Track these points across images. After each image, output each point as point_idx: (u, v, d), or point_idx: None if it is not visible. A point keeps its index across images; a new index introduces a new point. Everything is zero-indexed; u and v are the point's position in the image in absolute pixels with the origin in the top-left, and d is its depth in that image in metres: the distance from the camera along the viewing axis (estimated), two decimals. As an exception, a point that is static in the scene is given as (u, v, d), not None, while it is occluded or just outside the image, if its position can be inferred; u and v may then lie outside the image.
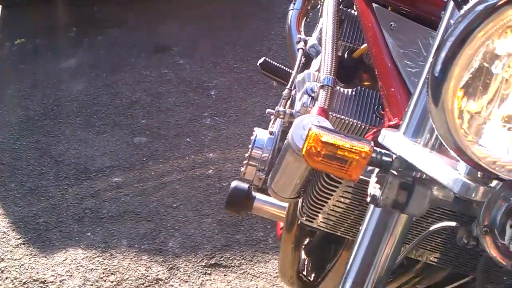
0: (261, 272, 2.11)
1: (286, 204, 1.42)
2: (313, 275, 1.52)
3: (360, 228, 0.91)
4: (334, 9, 1.25)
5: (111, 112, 2.84)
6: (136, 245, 2.20)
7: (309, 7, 2.35)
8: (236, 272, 2.11)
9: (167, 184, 2.47)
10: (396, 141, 0.82)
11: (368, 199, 0.83)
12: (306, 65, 1.35)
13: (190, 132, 2.74)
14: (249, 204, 1.43)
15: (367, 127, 1.17)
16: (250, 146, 1.60)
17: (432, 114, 0.67)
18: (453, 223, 0.90)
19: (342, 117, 1.17)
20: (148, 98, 2.94)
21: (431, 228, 0.91)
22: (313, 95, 1.19)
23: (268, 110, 2.02)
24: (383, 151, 0.81)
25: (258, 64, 2.03)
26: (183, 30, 3.45)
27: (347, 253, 1.34)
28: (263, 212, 1.45)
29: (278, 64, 2.03)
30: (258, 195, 1.44)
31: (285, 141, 1.08)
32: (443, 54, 0.65)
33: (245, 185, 1.43)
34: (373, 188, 0.83)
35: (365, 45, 1.25)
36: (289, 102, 1.30)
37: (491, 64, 0.67)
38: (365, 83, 1.27)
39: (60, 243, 2.19)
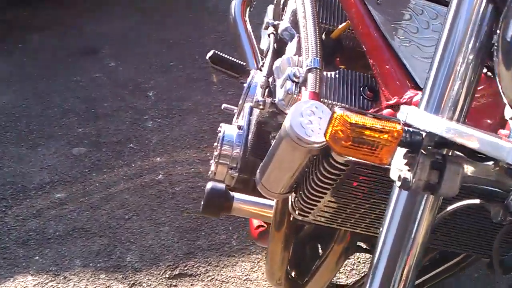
0: (229, 276, 2.00)
1: (268, 201, 1.34)
2: (295, 273, 1.44)
3: (385, 215, 0.83)
4: (310, -12, 1.16)
5: (43, 124, 2.63)
6: (91, 264, 2.03)
7: (251, -4, 2.26)
8: (204, 280, 1.99)
9: (115, 195, 2.31)
10: (423, 118, 0.74)
11: (398, 183, 0.75)
12: (278, 50, 1.26)
13: (133, 137, 2.58)
14: (228, 206, 1.32)
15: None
16: (218, 143, 1.50)
17: (502, 79, 0.59)
18: (477, 200, 0.84)
19: (330, 101, 1.09)
20: (82, 105, 2.75)
21: (457, 205, 0.84)
22: (297, 80, 1.10)
23: (224, 105, 1.92)
24: (411, 129, 0.74)
25: (207, 57, 1.93)
26: (111, 30, 3.27)
27: (339, 247, 1.27)
28: (243, 213, 1.35)
29: (228, 57, 1.93)
30: (236, 194, 1.33)
31: (279, 132, 0.98)
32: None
33: (222, 186, 1.33)
34: (401, 171, 0.76)
35: (343, 24, 1.18)
36: (266, 90, 1.20)
37: None
38: (346, 65, 1.20)
39: (6, 271, 1.98)
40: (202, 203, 1.33)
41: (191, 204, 2.26)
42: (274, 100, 1.15)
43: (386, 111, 0.98)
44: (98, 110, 2.72)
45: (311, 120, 0.93)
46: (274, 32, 1.28)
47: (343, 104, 0.87)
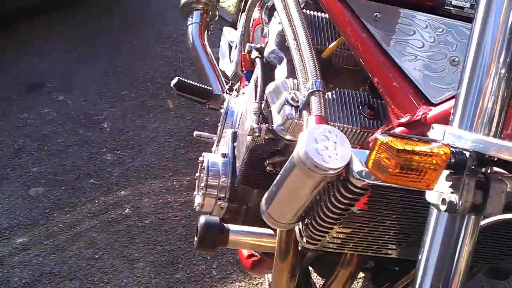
0: (214, 308, 1.93)
1: (267, 230, 1.29)
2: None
3: (424, 239, 0.79)
4: (298, 9, 1.13)
5: (-6, 166, 2.49)
6: (65, 311, 1.91)
7: (208, 19, 2.22)
8: (188, 315, 1.91)
9: (81, 234, 2.19)
10: (464, 136, 0.72)
11: (443, 207, 0.72)
12: (266, 75, 1.21)
13: (92, 172, 2.47)
14: (224, 239, 1.26)
15: (359, 130, 1.07)
16: (202, 174, 1.44)
17: None
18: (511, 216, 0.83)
19: (333, 124, 1.05)
20: (33, 143, 2.62)
21: (492, 220, 0.82)
22: (296, 104, 1.06)
23: (196, 132, 1.86)
24: (454, 150, 0.71)
25: (172, 85, 1.87)
26: (55, 63, 3.14)
27: (345, 271, 1.24)
28: (241, 245, 1.29)
29: (194, 82, 1.88)
30: (231, 226, 1.27)
31: (290, 160, 0.93)
32: None
33: (215, 219, 1.26)
34: (443, 193, 0.73)
35: (334, 43, 1.15)
36: (260, 117, 1.15)
37: None
38: (334, 84, 1.17)
39: (-27, 330, 1.84)
40: (196, 239, 1.26)
41: (163, 237, 2.17)
42: (271, 126, 1.10)
43: (398, 130, 0.95)
44: (51, 147, 2.59)
45: (326, 146, 0.89)
46: (259, 56, 1.24)
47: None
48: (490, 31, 0.74)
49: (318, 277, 1.74)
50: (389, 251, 1.11)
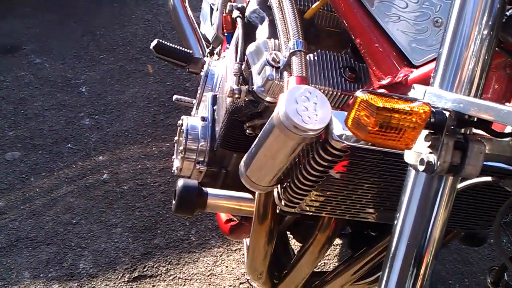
0: (192, 273, 1.93)
1: (245, 194, 1.28)
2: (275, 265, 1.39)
3: (401, 200, 0.79)
4: (280, -33, 1.10)
5: (-31, 130, 2.44)
6: (41, 275, 1.90)
7: (189, -19, 2.17)
8: (165, 280, 1.91)
9: (58, 199, 2.17)
10: (444, 96, 0.71)
11: (421, 167, 0.71)
12: (247, 35, 1.19)
13: (70, 137, 2.43)
14: (202, 202, 1.25)
15: (340, 93, 1.05)
16: (181, 137, 1.42)
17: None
18: (489, 178, 0.83)
19: (313, 86, 1.04)
20: (9, 106, 2.57)
21: (468, 183, 0.82)
22: (277, 65, 1.04)
23: (176, 96, 1.84)
24: (433, 109, 0.70)
25: (151, 47, 1.83)
26: (32, 25, 3.07)
27: (322, 235, 1.24)
28: (219, 208, 1.28)
29: (173, 45, 1.84)
30: (210, 190, 1.26)
31: (270, 120, 0.92)
32: None
33: (194, 182, 1.25)
34: (421, 154, 0.72)
35: (316, 4, 1.13)
36: (240, 78, 1.13)
37: None
38: (315, 45, 1.15)
39: None
40: (174, 202, 1.24)
41: (142, 203, 2.16)
42: (252, 88, 1.08)
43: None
44: (28, 111, 2.55)
45: (306, 107, 0.87)
46: (241, 16, 1.21)
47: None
48: (474, -10, 0.72)
49: (296, 243, 1.74)
50: (367, 215, 1.10)
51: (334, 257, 2.02)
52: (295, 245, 1.84)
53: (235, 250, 2.00)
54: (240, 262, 1.96)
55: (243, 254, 1.98)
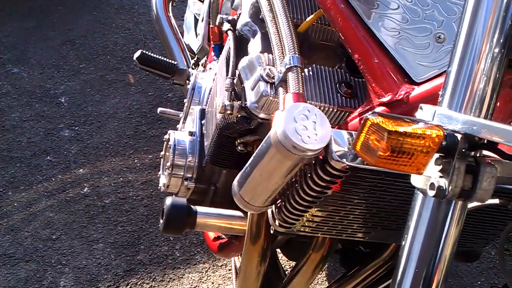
0: (177, 290, 1.87)
1: (236, 212, 1.23)
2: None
3: (408, 225, 0.75)
4: (274, -22, 1.06)
5: None
6: (20, 294, 1.83)
7: (173, -10, 2.13)
8: (150, 297, 1.85)
9: (37, 214, 2.10)
10: (456, 118, 0.68)
11: (431, 192, 0.68)
12: (238, 48, 1.15)
13: (49, 149, 2.36)
14: (191, 221, 1.20)
15: (336, 109, 1.02)
16: (168, 153, 1.37)
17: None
18: (496, 200, 0.80)
19: (309, 102, 1.00)
20: (-14, 118, 2.49)
21: (474, 205, 0.79)
22: (271, 80, 1.00)
23: (160, 109, 1.79)
24: (445, 131, 0.67)
25: (135, 58, 1.78)
26: (9, 33, 2.99)
27: (317, 254, 1.20)
28: (209, 227, 1.24)
29: (157, 56, 1.79)
30: (199, 208, 1.21)
31: (266, 139, 0.88)
32: None
33: (182, 200, 1.20)
34: (430, 178, 0.69)
35: (311, 17, 1.09)
36: (232, 94, 1.09)
37: None
38: (309, 60, 1.11)
39: None
40: (161, 221, 1.20)
41: (124, 217, 2.10)
42: (245, 104, 1.04)
43: (379, 109, 0.91)
44: (5, 122, 2.47)
45: (305, 126, 0.84)
46: (232, 29, 1.17)
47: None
48: (484, 8, 0.69)
49: (285, 258, 1.71)
50: (364, 235, 1.07)
51: (322, 271, 1.98)
52: (282, 259, 1.80)
53: (221, 265, 1.95)
54: (227, 278, 1.91)
55: (229, 270, 1.93)
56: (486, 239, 1.14)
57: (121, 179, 2.25)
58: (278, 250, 1.52)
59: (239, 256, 1.51)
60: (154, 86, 2.69)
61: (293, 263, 1.76)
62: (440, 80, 0.85)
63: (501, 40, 0.69)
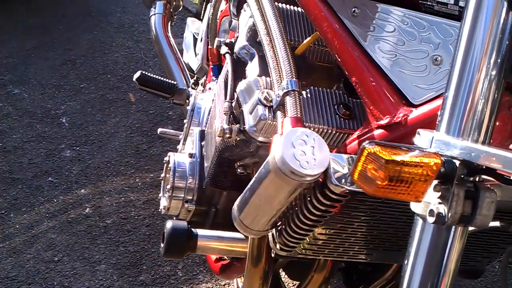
0: (181, 311, 1.86)
1: (237, 235, 1.23)
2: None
3: (409, 251, 0.75)
4: (270, 2, 1.07)
5: None
6: (23, 318, 1.82)
7: (171, 10, 2.14)
8: (153, 319, 1.84)
9: (39, 236, 2.09)
10: (454, 144, 0.67)
11: (431, 219, 0.68)
12: (236, 72, 1.15)
13: (51, 170, 2.36)
14: (192, 245, 1.20)
15: (335, 131, 1.02)
16: (168, 175, 1.37)
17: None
18: (497, 223, 0.80)
19: (307, 125, 1.00)
20: (-13, 140, 2.49)
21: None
22: (269, 104, 1.00)
23: (160, 129, 1.79)
24: (443, 158, 0.66)
25: (134, 79, 1.79)
26: (9, 54, 3.00)
27: (319, 276, 1.20)
28: (209, 250, 1.23)
29: (157, 76, 1.80)
30: (200, 231, 1.21)
31: (264, 164, 0.88)
32: None
33: (183, 224, 1.20)
34: (433, 205, 0.68)
35: (308, 39, 1.09)
36: (230, 117, 1.09)
37: None
38: (306, 81, 1.11)
39: None
40: (162, 245, 1.19)
41: (126, 237, 2.09)
42: (243, 127, 1.04)
43: (377, 132, 0.91)
44: (7, 143, 2.48)
45: (304, 151, 0.83)
46: (229, 52, 1.17)
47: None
48: (480, 30, 0.69)
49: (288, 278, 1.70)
50: (366, 256, 1.07)
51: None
52: (285, 277, 1.79)
53: (224, 285, 1.94)
54: (230, 298, 1.90)
55: (233, 289, 1.92)
56: (489, 257, 1.13)
57: (122, 198, 2.24)
58: (281, 269, 1.51)
59: (242, 277, 1.50)
60: (154, 104, 2.69)
61: (296, 282, 1.75)
62: (438, 102, 0.85)
63: (498, 62, 0.69)
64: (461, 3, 0.86)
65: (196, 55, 1.98)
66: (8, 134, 2.52)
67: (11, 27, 3.20)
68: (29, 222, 2.14)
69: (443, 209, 0.67)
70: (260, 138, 1.02)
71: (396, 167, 0.61)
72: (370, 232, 0.98)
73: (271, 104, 1.00)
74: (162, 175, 1.44)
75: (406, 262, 0.75)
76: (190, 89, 1.84)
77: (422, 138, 0.70)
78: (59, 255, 2.02)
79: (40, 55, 3.01)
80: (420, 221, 0.74)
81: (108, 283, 1.93)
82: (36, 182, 2.30)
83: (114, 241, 2.08)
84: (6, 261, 1.99)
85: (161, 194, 1.44)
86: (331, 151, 0.84)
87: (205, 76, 1.85)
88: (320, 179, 0.86)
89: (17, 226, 2.12)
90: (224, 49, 1.18)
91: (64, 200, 2.23)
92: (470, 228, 0.79)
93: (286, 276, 1.69)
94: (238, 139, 1.07)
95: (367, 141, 0.63)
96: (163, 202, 1.39)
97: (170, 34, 2.07)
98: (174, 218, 1.40)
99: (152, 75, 1.80)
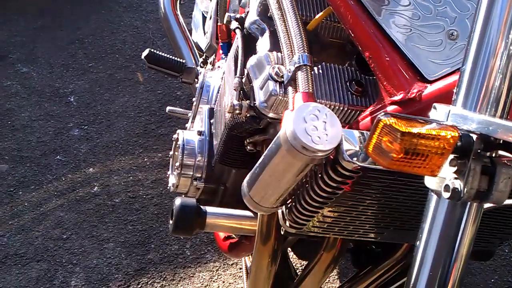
0: (188, 290, 1.87)
1: (246, 212, 1.22)
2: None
3: (422, 227, 0.74)
4: (282, -24, 1.05)
5: (-46, 142, 2.36)
6: (31, 294, 1.83)
7: (180, -12, 2.12)
8: (161, 297, 1.85)
9: (48, 214, 2.10)
10: (471, 118, 0.66)
11: (446, 194, 0.66)
12: (247, 47, 1.13)
13: (59, 148, 2.36)
14: (201, 222, 1.19)
15: (347, 108, 1.00)
16: (177, 152, 1.36)
17: None
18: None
19: (319, 101, 0.98)
20: (-4, 118, 2.49)
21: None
22: (280, 79, 0.99)
23: (169, 108, 1.78)
24: (460, 132, 0.65)
25: (143, 57, 1.77)
26: (18, 33, 2.99)
27: (328, 254, 1.19)
28: (218, 228, 1.22)
29: (166, 54, 1.78)
30: (208, 208, 1.20)
31: (275, 140, 0.86)
32: None
33: (192, 201, 1.19)
34: (449, 180, 0.67)
35: (320, 14, 1.07)
36: (240, 93, 1.07)
37: None
38: (318, 57, 1.10)
39: None
40: (171, 222, 1.19)
41: (134, 216, 2.09)
42: (253, 103, 1.03)
43: (391, 108, 0.89)
44: (15, 122, 2.47)
45: (315, 126, 0.82)
46: (240, 27, 1.15)
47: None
48: (499, 3, 0.67)
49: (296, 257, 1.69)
50: (376, 235, 1.06)
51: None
52: (293, 258, 1.78)
53: (232, 264, 1.94)
54: (238, 277, 1.90)
55: (240, 269, 1.92)
56: (501, 239, 1.12)
57: (131, 178, 2.24)
58: (289, 249, 1.50)
59: (250, 256, 1.50)
60: (163, 84, 2.68)
61: (304, 262, 1.74)
62: (453, 78, 0.84)
63: (518, 36, 0.67)
64: (479, -24, 0.84)
65: (205, 34, 1.96)
66: (16, 112, 2.52)
67: (19, 6, 3.18)
68: (38, 200, 2.14)
69: (459, 184, 0.65)
70: (271, 114, 1.01)
71: (413, 140, 0.59)
72: (381, 210, 0.97)
73: (282, 79, 0.98)
74: (171, 152, 1.43)
75: (419, 240, 0.74)
76: (199, 67, 1.82)
77: (438, 112, 0.69)
78: (68, 233, 2.03)
79: (48, 34, 2.99)
80: (434, 197, 0.72)
81: (116, 261, 1.94)
82: (45, 161, 2.30)
83: (122, 219, 2.08)
84: (15, 238, 2.00)
85: (169, 172, 1.43)
86: (343, 128, 0.82)
87: (214, 55, 1.83)
88: (332, 156, 0.84)
89: (26, 204, 2.13)
90: (234, 24, 1.16)
91: (72, 178, 2.23)
92: (485, 206, 0.78)
93: (294, 257, 1.69)
94: (248, 115, 1.06)
95: (382, 113, 0.61)
96: (172, 180, 1.38)
97: (179, 13, 2.05)
98: (183, 196, 1.40)
99: (161, 53, 1.78)
